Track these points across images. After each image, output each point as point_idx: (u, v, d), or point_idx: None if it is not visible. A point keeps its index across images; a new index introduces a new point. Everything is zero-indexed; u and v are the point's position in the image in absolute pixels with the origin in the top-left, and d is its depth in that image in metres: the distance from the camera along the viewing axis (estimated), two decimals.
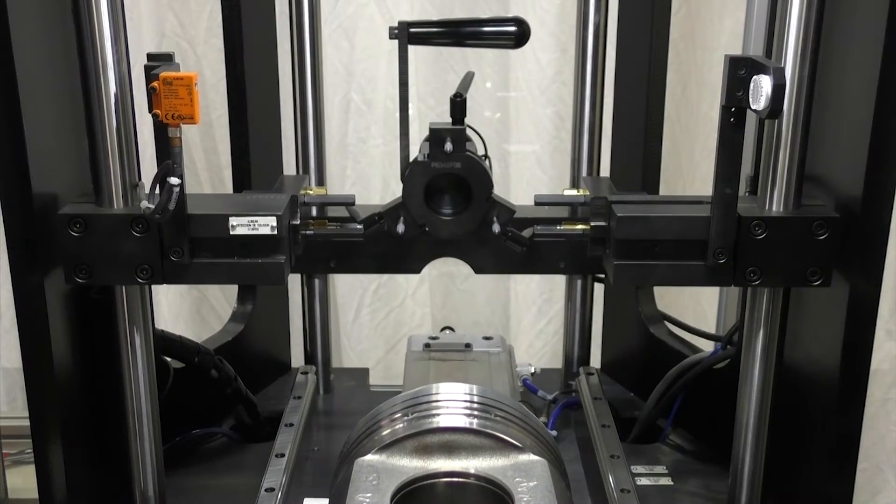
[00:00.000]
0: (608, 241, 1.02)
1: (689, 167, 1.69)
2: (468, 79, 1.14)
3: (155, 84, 0.89)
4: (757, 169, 1.03)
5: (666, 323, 1.39)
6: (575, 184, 1.33)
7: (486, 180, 1.07)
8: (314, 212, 1.22)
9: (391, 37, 1.07)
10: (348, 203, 1.13)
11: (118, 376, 1.04)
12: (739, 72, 0.89)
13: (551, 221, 1.13)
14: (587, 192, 1.10)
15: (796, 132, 0.95)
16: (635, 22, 1.32)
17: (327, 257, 1.28)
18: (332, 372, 1.45)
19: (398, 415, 0.69)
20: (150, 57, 0.93)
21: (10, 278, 0.96)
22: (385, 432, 0.66)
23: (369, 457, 0.63)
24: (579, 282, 1.37)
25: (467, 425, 0.66)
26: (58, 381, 1.00)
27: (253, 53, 1.31)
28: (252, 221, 0.96)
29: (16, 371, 1.73)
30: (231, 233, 0.96)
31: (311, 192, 1.17)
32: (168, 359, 1.22)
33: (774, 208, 0.97)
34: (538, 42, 1.64)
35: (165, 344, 1.21)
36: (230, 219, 0.96)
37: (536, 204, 1.12)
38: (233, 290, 1.48)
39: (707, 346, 1.34)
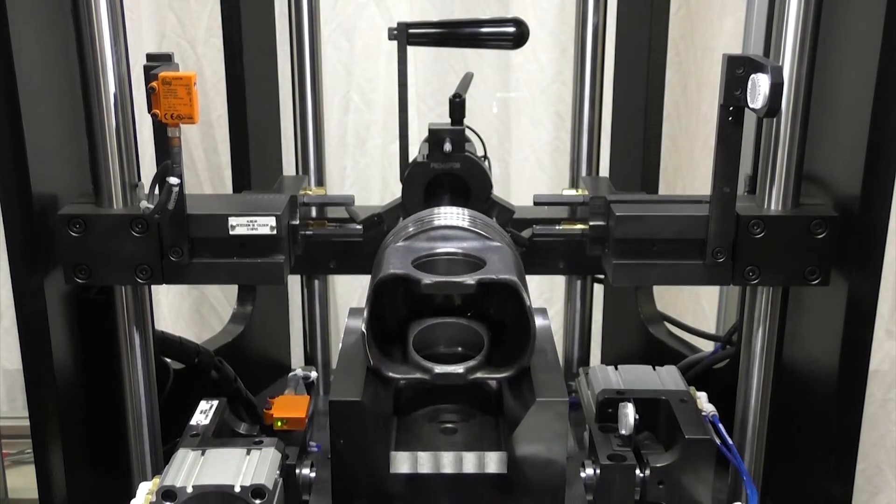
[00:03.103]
0: (607, 241, 1.02)
1: (689, 167, 1.69)
2: (467, 80, 1.14)
3: (154, 84, 0.89)
4: (756, 168, 1.03)
5: (665, 323, 1.39)
6: (574, 184, 1.33)
7: (485, 181, 1.08)
8: (314, 212, 1.22)
9: (390, 38, 1.07)
10: (347, 203, 1.13)
11: (118, 376, 1.04)
12: (737, 71, 0.89)
13: (550, 222, 1.13)
14: (586, 192, 1.10)
15: (794, 131, 0.95)
16: (634, 22, 1.32)
17: (327, 258, 1.28)
18: (332, 372, 1.45)
19: (411, 221, 1.00)
20: (149, 57, 0.93)
21: (10, 278, 0.97)
22: (401, 234, 0.97)
23: (397, 244, 0.94)
24: (579, 282, 1.37)
25: (458, 224, 0.97)
26: (58, 381, 1.00)
27: (253, 53, 1.31)
28: (251, 221, 0.96)
29: (16, 371, 1.74)
30: (230, 233, 0.96)
31: (310, 193, 1.17)
32: (168, 360, 1.22)
33: (773, 207, 0.97)
34: (538, 42, 1.64)
35: (165, 345, 1.20)
36: (229, 219, 0.96)
37: (535, 204, 1.12)
38: (233, 290, 1.48)
39: (707, 346, 1.34)
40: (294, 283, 1.39)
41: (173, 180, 0.92)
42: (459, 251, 0.92)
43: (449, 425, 0.95)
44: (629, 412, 0.97)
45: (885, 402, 1.62)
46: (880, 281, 0.95)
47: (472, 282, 0.84)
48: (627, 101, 1.35)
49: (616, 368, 1.12)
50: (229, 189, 1.41)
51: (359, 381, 0.88)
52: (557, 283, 1.51)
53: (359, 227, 1.11)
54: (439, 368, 0.85)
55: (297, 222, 1.04)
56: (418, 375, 0.86)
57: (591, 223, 1.03)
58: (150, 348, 1.04)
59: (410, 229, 0.97)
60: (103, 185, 0.97)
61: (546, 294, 1.76)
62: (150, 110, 0.90)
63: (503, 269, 0.86)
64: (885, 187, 0.93)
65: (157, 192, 0.92)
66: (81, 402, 1.06)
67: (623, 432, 0.98)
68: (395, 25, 1.08)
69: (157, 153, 0.93)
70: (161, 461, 1.08)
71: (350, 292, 1.79)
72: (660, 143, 1.33)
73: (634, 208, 0.99)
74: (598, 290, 1.42)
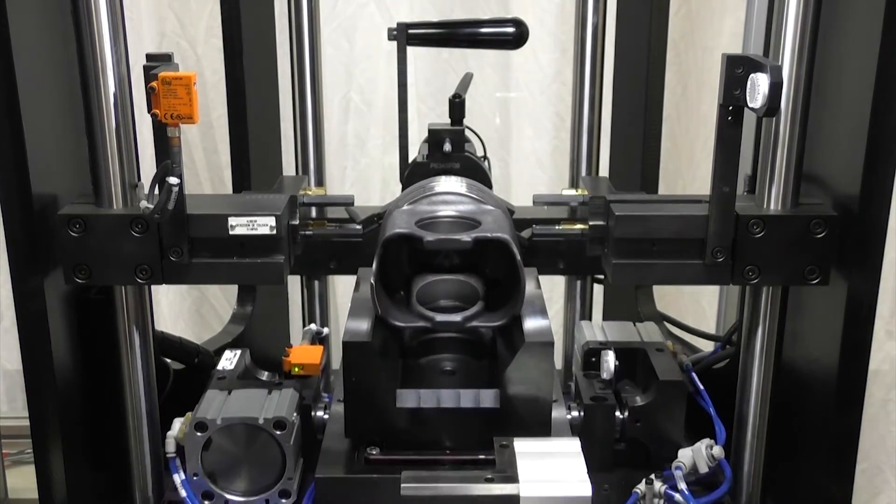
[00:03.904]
0: (607, 241, 1.02)
1: (688, 167, 1.69)
2: (467, 80, 1.14)
3: (154, 84, 0.89)
4: (755, 168, 1.03)
5: (665, 323, 1.39)
6: (574, 184, 1.33)
7: (484, 181, 1.08)
8: (314, 212, 1.22)
9: (390, 38, 1.07)
10: (347, 203, 1.14)
11: (118, 376, 1.04)
12: (736, 70, 0.89)
13: (550, 222, 1.13)
14: (586, 192, 1.10)
15: (794, 131, 0.95)
16: (633, 22, 1.32)
17: (327, 258, 1.28)
18: (332, 373, 1.45)
19: (414, 189, 1.06)
20: (149, 57, 0.93)
21: (10, 278, 0.97)
22: (405, 199, 1.04)
23: (403, 207, 1.01)
24: (579, 282, 1.37)
25: (457, 191, 1.03)
26: (58, 381, 1.00)
27: (253, 53, 1.31)
28: (251, 221, 0.96)
29: (16, 371, 1.74)
30: (230, 233, 0.96)
31: (310, 193, 1.17)
32: (168, 360, 1.22)
33: (772, 207, 0.98)
34: (538, 42, 1.64)
35: (165, 345, 1.21)
36: (229, 219, 0.96)
37: (535, 204, 1.12)
38: (233, 290, 1.48)
39: (707, 346, 1.34)
40: (294, 283, 1.39)
41: (173, 180, 0.92)
42: (458, 214, 0.98)
43: (448, 368, 1.03)
44: (610, 359, 1.08)
45: (885, 402, 1.63)
46: (880, 281, 0.95)
47: (469, 239, 0.91)
48: (627, 102, 1.36)
49: (600, 324, 1.23)
50: (229, 189, 1.41)
51: (368, 327, 0.96)
52: (557, 283, 1.51)
53: (359, 227, 1.11)
54: (440, 317, 0.93)
55: (297, 222, 1.04)
56: (421, 324, 0.94)
57: (591, 223, 1.04)
58: (150, 348, 1.04)
59: (414, 195, 1.04)
60: (103, 185, 0.97)
61: (546, 294, 1.76)
62: (150, 110, 0.90)
63: (496, 229, 0.93)
64: (884, 186, 0.93)
65: (157, 192, 0.92)
66: (81, 402, 1.06)
67: (604, 377, 1.09)
68: (395, 25, 1.08)
69: (157, 153, 0.93)
70: (161, 461, 1.08)
71: (350, 292, 1.79)
72: (660, 144, 1.33)
73: (634, 208, 0.99)
74: (598, 290, 1.42)
